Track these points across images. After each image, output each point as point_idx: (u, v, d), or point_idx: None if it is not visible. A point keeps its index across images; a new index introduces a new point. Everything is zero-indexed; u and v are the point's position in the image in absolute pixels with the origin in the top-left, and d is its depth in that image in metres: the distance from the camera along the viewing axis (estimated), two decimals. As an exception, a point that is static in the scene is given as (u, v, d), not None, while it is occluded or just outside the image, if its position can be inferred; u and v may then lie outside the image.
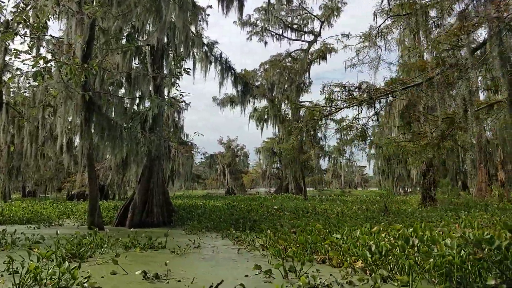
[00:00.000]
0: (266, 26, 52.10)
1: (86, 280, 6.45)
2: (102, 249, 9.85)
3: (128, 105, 16.93)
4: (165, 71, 17.82)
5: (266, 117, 50.22)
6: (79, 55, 13.25)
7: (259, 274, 7.20)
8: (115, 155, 16.06)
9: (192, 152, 32.10)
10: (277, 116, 45.58)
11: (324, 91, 9.48)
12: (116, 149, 15.85)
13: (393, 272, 6.74)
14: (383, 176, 41.72)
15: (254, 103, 51.63)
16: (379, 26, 9.58)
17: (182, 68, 16.43)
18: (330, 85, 9.34)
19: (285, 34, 52.11)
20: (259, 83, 49.06)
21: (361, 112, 9.80)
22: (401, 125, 10.80)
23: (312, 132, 46.68)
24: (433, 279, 6.20)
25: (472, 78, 6.13)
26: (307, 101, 51.25)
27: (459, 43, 6.82)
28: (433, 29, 7.39)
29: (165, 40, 17.89)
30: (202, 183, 62.35)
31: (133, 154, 16.34)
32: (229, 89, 50.09)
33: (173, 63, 17.48)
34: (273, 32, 52.23)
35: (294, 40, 52.23)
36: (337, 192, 55.26)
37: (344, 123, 11.41)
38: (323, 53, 52.38)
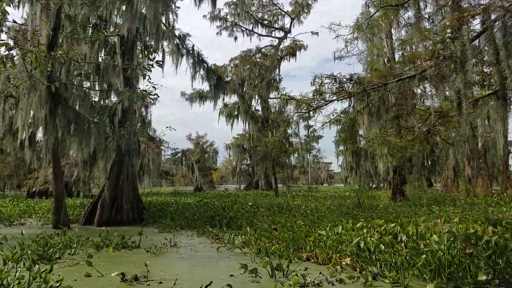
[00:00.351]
0: (237, 21, 51.60)
1: (58, 284, 5.94)
2: (72, 250, 9.24)
3: (97, 98, 16.12)
4: (135, 63, 17.10)
5: (236, 113, 49.83)
6: (44, 43, 12.42)
7: (245, 274, 6.89)
8: (82, 150, 15.26)
9: (162, 147, 31.30)
10: (248, 112, 45.27)
11: (314, 83, 9.26)
12: (84, 144, 15.09)
13: (382, 269, 6.61)
14: (351, 172, 42.35)
15: (224, 99, 51.19)
16: (371, 16, 9.46)
17: (155, 61, 15.82)
18: (321, 77, 9.15)
19: (255, 30, 51.82)
20: (229, 78, 48.51)
21: (351, 105, 9.69)
22: (388, 119, 10.72)
23: (282, 129, 46.79)
24: (424, 276, 6.09)
25: (469, 71, 6.11)
26: (277, 98, 51.28)
27: (453, 35, 6.80)
28: (425, 21, 7.34)
29: (136, 30, 17.16)
30: (169, 180, 61.22)
31: (102, 149, 15.61)
32: (200, 83, 49.01)
33: (144, 55, 16.85)
34: (243, 27, 51.80)
35: (264, 36, 52.06)
36: (304, 188, 55.71)
37: (332, 117, 11.22)
38: (293, 50, 52.52)
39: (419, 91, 15.97)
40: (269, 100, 48.06)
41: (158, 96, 16.19)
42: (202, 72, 22.86)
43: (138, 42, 18.40)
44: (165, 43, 21.36)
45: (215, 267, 7.66)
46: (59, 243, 9.41)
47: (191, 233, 12.63)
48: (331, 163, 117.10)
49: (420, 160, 36.55)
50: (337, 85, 8.65)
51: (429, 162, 41.39)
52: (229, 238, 10.20)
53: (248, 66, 48.16)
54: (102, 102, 16.41)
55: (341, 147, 44.07)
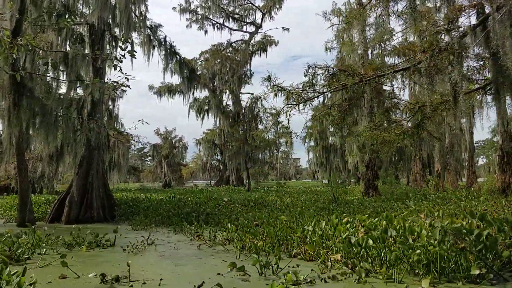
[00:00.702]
0: (207, 14, 50.84)
1: (32, 287, 5.45)
2: (42, 250, 8.63)
3: (64, 89, 15.27)
4: (105, 53, 16.33)
5: (206, 108, 49.11)
6: (8, 29, 11.58)
7: (232, 272, 6.59)
8: (48, 144, 14.44)
9: (133, 142, 30.29)
10: (219, 107, 44.74)
11: (307, 73, 9.03)
12: (50, 137, 14.28)
13: (373, 265, 6.48)
14: (321, 168, 42.72)
15: (194, 93, 50.38)
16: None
17: (127, 50, 15.11)
18: (314, 67, 8.91)
19: (226, 24, 51.26)
20: (200, 72, 47.67)
21: (346, 99, 9.52)
22: (378, 113, 10.65)
23: (254, 124, 46.62)
24: (416, 271, 6.01)
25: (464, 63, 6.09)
26: (249, 93, 51.04)
27: (449, 27, 6.76)
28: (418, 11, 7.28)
29: (107, 19, 16.39)
30: (135, 176, 59.75)
31: (70, 143, 14.83)
32: (170, 77, 47.83)
33: (112, 46, 16.16)
34: (214, 20, 51.13)
35: (235, 30, 51.52)
36: (273, 183, 55.80)
37: (319, 110, 11.02)
38: (264, 45, 52.33)
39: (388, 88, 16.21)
40: (240, 95, 47.73)
41: (130, 88, 15.50)
42: (174, 64, 22.24)
43: (107, 33, 17.61)
44: (135, 35, 20.65)
45: (199, 265, 7.33)
46: (27, 243, 8.77)
47: (167, 231, 12.19)
48: (299, 158, 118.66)
49: (388, 156, 37.34)
50: (329, 76, 8.48)
51: (396, 158, 42.17)
52: (209, 235, 9.85)
53: (219, 60, 47.54)
54: (71, 94, 15.56)
55: (312, 143, 44.33)
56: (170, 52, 21.79)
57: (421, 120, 7.31)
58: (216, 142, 48.15)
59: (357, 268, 6.06)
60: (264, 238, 8.39)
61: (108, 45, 17.53)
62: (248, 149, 32.47)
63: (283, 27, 54.90)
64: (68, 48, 15.93)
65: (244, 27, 51.69)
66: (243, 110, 47.02)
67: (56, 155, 17.34)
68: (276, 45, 53.06)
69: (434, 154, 25.96)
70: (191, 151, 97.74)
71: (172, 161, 54.71)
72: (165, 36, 21.88)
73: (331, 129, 37.32)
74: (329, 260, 6.85)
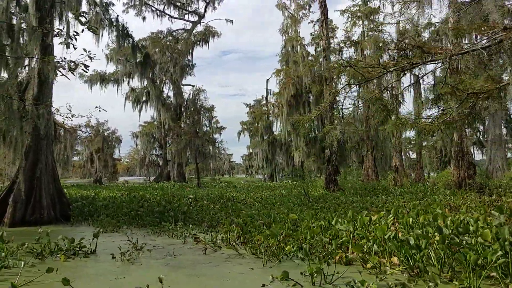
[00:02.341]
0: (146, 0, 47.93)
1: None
2: (8, 262, 6.85)
3: (11, 67, 12.75)
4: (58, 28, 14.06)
5: (144, 98, 46.33)
6: None
7: (275, 282, 5.56)
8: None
9: (80, 132, 27.23)
10: (160, 98, 42.32)
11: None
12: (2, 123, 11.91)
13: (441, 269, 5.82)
14: (267, 162, 42.39)
15: (129, 82, 47.31)
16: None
17: (86, 26, 13.12)
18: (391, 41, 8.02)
19: (167, 12, 48.74)
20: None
21: (399, 79, 8.65)
22: (431, 100, 9.96)
23: (196, 117, 44.82)
24: (492, 275, 5.42)
25: None
26: (190, 85, 49.13)
27: None
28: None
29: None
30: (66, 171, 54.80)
31: (17, 131, 12.52)
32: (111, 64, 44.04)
33: (65, 21, 14.09)
34: (153, 7, 48.37)
35: (176, 18, 49.08)
36: (207, 179, 54.42)
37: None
38: (206, 36, 50.68)
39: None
40: (182, 86, 45.66)
41: (88, 67, 13.51)
42: (126, 47, 20.15)
43: (57, 6, 15.28)
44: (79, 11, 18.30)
45: (226, 276, 6.14)
46: None
47: (145, 232, 10.63)
48: (232, 154, 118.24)
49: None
50: (401, 54, 7.64)
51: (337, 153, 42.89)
52: (211, 238, 8.61)
53: (159, 49, 44.97)
54: (17, 73, 13.09)
55: (256, 138, 43.84)
56: (122, 34, 19.71)
57: (471, 108, 6.90)
58: (155, 135, 45.63)
59: (430, 273, 5.31)
60: (286, 240, 7.38)
61: (57, 20, 15.21)
62: (198, 143, 30.98)
63: (226, 19, 53.69)
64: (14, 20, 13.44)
65: (186, 16, 49.54)
66: (185, 103, 45.07)
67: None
68: (218, 37, 51.60)
69: (385, 149, 26.73)
70: (127, 145, 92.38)
71: (104, 156, 50.95)
72: (117, 16, 19.72)
73: (280, 123, 37.10)
74: (382, 265, 6.06)
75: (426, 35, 45.22)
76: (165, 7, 47.81)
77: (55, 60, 12.93)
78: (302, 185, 21.03)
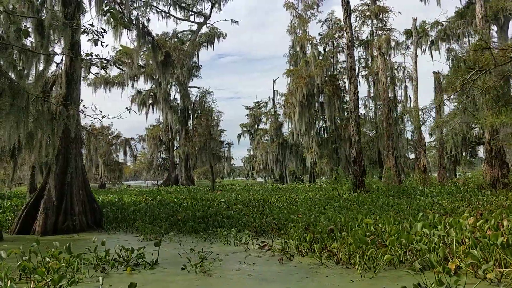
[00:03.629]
0: (151, 1, 47.19)
1: None
2: (74, 275, 6.13)
3: (40, 64, 11.97)
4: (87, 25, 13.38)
5: (150, 101, 45.57)
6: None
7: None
8: (18, 136, 11.27)
9: (104, 134, 26.39)
10: (167, 100, 41.60)
11: None
12: (22, 126, 11.17)
13: None
14: (276, 164, 41.69)
15: (133, 85, 46.52)
16: None
17: (119, 22, 12.42)
18: None
19: (172, 13, 48.02)
20: (144, 62, 43.89)
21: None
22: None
23: (204, 119, 44.08)
24: None
25: None
26: (196, 87, 48.43)
27: None
28: None
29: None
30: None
31: (47, 134, 11.79)
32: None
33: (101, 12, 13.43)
34: (158, 8, 47.67)
35: (181, 19, 48.43)
36: (208, 183, 53.58)
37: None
38: (212, 38, 50.07)
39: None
40: (189, 88, 44.94)
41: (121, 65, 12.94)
42: (147, 46, 19.48)
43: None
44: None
45: (328, 289, 5.47)
46: (26, 267, 6.19)
47: (194, 239, 9.92)
48: (233, 157, 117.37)
49: (346, 152, 37.36)
50: None
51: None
52: (281, 245, 7.92)
53: (166, 50, 44.17)
54: (48, 71, 12.35)
55: (258, 140, 43.24)
56: (143, 33, 19.02)
57: None
58: (162, 138, 44.85)
59: None
60: (377, 247, 6.70)
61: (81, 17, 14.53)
62: (214, 145, 30.29)
63: (232, 20, 52.84)
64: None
65: (192, 17, 48.88)
66: (193, 105, 44.35)
67: (10, 150, 13.87)
68: (224, 38, 51.07)
69: (400, 149, 26.23)
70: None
71: (109, 160, 50.09)
72: (137, 14, 19.08)
73: (291, 125, 36.39)
74: (504, 275, 5.41)
75: (433, 34, 44.88)
76: (170, 8, 47.15)
77: (88, 58, 12.30)
78: (335, 187, 20.25)
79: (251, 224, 10.91)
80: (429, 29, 41.47)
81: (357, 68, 44.07)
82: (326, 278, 6.00)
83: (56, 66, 13.61)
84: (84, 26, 13.30)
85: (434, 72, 25.76)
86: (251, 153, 64.51)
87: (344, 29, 22.00)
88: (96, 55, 13.08)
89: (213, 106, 42.22)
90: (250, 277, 6.20)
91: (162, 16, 48.27)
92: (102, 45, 15.42)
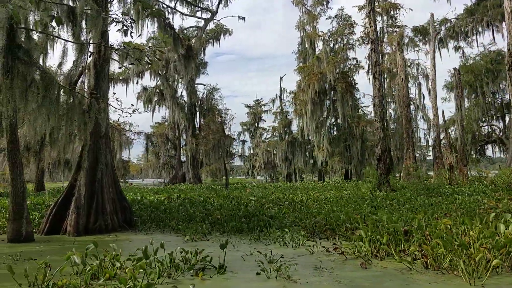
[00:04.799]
0: (157, -4, 46.40)
1: None
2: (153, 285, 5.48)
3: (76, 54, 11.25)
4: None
5: (156, 98, 44.77)
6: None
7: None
8: (49, 129, 10.58)
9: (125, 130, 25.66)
10: (174, 97, 40.87)
11: None
12: (53, 119, 10.50)
13: None
14: (286, 162, 41.07)
15: (137, 82, 45.68)
16: None
17: (151, 12, 11.88)
18: None
19: (178, 8, 47.17)
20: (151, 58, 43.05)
21: None
22: None
23: (211, 116, 43.38)
24: None
25: None
26: (202, 84, 47.70)
27: None
28: None
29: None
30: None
31: (80, 128, 11.11)
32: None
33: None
34: (164, 4, 46.77)
35: (188, 15, 47.57)
36: (208, 180, 52.93)
37: None
38: (218, 34, 49.35)
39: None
40: (196, 86, 44.21)
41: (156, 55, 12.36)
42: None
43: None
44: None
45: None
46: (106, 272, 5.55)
47: (244, 240, 9.29)
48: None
49: (358, 149, 36.81)
50: None
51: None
52: (354, 247, 7.31)
53: (187, 43, 43.35)
54: (82, 61, 11.63)
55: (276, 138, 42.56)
56: (164, 25, 18.32)
57: None
58: (168, 136, 44.11)
59: None
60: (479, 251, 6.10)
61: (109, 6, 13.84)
62: (228, 142, 29.61)
63: (238, 16, 52.07)
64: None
65: (198, 13, 48.07)
66: (199, 102, 43.64)
67: (36, 146, 13.18)
68: (230, 35, 50.36)
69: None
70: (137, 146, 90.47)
71: (115, 157, 49.20)
72: (158, 5, 18.39)
73: (301, 121, 35.70)
74: None
75: (431, 32, 44.57)
76: (177, 4, 46.32)
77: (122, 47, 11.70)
78: (370, 186, 19.47)
79: (298, 224, 10.31)
80: (437, 26, 41.08)
81: (366, 65, 43.66)
82: (430, 286, 5.39)
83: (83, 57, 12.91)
84: (115, 15, 12.73)
85: (454, 68, 25.20)
86: (251, 151, 63.91)
87: (368, 23, 21.42)
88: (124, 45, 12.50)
89: (220, 103, 41.56)
90: (342, 284, 5.58)
91: (168, 12, 47.40)
92: (132, 36, 14.82)
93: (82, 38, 11.25)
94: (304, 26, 43.79)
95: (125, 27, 13.98)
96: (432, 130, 40.88)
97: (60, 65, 10.78)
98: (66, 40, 10.81)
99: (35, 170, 29.32)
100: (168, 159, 45.80)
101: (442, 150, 24.59)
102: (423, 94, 38.00)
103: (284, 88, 47.87)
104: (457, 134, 24.38)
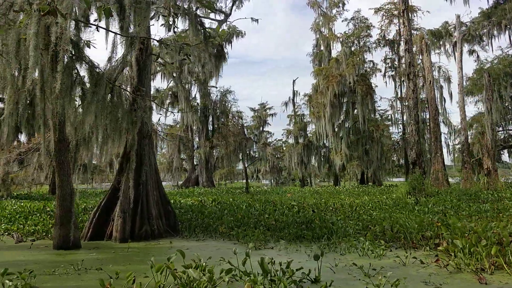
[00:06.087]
0: (171, -3, 45.92)
1: None
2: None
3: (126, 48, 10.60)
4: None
5: (169, 101, 44.10)
6: None
7: None
8: (97, 127, 9.94)
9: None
10: (188, 99, 40.21)
11: None
12: (102, 117, 9.88)
13: None
14: (301, 166, 40.32)
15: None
16: None
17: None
18: None
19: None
20: (162, 61, 42.40)
21: None
22: None
23: (225, 119, 42.77)
24: None
25: None
26: (214, 86, 47.09)
27: None
28: None
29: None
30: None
31: (128, 127, 10.47)
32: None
33: None
34: (178, 5, 46.30)
35: (201, 17, 47.15)
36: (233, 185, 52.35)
37: None
38: (230, 36, 48.82)
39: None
40: (209, 88, 43.54)
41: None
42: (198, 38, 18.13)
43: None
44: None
45: None
46: None
47: (308, 249, 8.58)
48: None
49: (377, 154, 36.13)
50: None
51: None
52: (466, 258, 6.61)
53: (218, 42, 42.73)
54: (131, 55, 10.97)
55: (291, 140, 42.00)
56: (195, 23, 17.68)
57: None
58: (181, 138, 43.42)
59: None
60: None
61: None
62: (250, 145, 28.90)
63: (252, 18, 51.46)
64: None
65: (211, 14, 47.60)
66: (213, 104, 42.99)
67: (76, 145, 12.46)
68: (242, 37, 49.83)
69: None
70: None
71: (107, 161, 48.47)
72: (190, 2, 17.74)
73: (319, 124, 35.01)
74: None
75: (456, 34, 43.84)
76: (191, 5, 45.83)
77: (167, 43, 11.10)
78: (417, 190, 18.60)
79: (359, 232, 9.64)
80: (452, 29, 40.55)
81: (383, 68, 43.05)
82: None
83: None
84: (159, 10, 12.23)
85: (483, 70, 24.58)
86: (257, 155, 63.27)
87: (402, 23, 20.83)
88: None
89: (234, 106, 40.93)
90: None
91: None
92: (175, 32, 14.29)
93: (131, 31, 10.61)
94: (320, 28, 43.25)
95: (169, 22, 13.50)
96: (452, 134, 40.30)
97: (109, 59, 10.10)
98: (116, 33, 10.17)
99: (46, 171, 28.65)
100: (181, 163, 45.08)
101: (480, 154, 23.87)
102: (444, 98, 37.37)
103: (297, 91, 47.28)
104: (487, 137, 23.65)
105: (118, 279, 6.01)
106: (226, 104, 42.59)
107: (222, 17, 50.83)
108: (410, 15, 42.60)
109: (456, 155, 44.84)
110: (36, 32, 7.04)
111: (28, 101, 11.16)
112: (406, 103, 21.11)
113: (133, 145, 10.64)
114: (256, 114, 60.09)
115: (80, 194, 27.44)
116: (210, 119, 43.52)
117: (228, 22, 51.30)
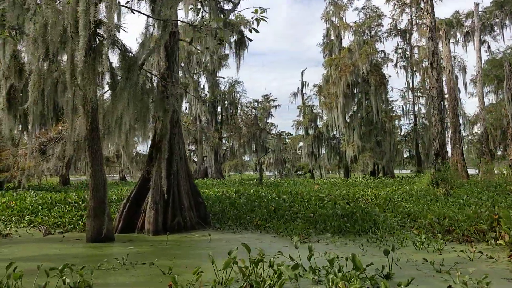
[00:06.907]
0: (178, -14, 45.10)
1: None
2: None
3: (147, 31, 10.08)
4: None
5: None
6: None
7: None
8: (130, 116, 9.50)
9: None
10: (198, 90, 39.67)
11: None
12: (132, 105, 9.42)
13: None
14: (312, 158, 39.84)
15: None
16: None
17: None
18: None
19: (199, -1, 45.97)
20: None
21: None
22: None
23: (234, 110, 42.26)
24: None
25: None
26: (221, 77, 46.49)
27: None
28: None
29: None
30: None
31: (160, 115, 10.05)
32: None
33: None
34: (185, -6, 45.53)
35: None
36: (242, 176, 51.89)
37: None
38: (239, 26, 48.09)
39: None
40: (217, 78, 42.92)
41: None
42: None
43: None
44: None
45: None
46: None
47: (358, 243, 8.19)
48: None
49: (390, 145, 35.66)
50: None
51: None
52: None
53: (238, 29, 42.09)
54: (165, 40, 10.47)
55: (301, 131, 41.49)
56: (215, 9, 17.14)
57: None
58: (189, 130, 42.94)
59: None
60: None
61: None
62: (264, 136, 28.45)
63: (259, 7, 50.73)
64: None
65: (219, 3, 46.91)
66: (221, 95, 42.40)
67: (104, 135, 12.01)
68: (250, 26, 49.16)
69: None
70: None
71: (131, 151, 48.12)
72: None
73: (331, 115, 34.51)
74: None
75: (476, 22, 43.16)
76: (198, -6, 45.08)
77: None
78: (447, 182, 18.07)
79: (402, 224, 9.24)
80: (463, 19, 39.81)
81: (395, 58, 42.37)
82: None
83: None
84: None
85: (504, 60, 24.03)
86: (269, 146, 62.78)
87: (425, 10, 20.23)
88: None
89: (243, 97, 40.43)
90: None
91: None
92: (203, 17, 13.81)
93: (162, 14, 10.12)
94: (330, 18, 42.49)
95: (199, 8, 13.06)
96: (467, 124, 39.80)
97: (142, 44, 9.62)
98: (149, 16, 9.69)
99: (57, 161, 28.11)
100: (189, 154, 44.65)
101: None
102: (459, 88, 36.74)
103: (306, 82, 46.66)
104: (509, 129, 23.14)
105: (171, 274, 5.62)
106: (235, 95, 42.06)
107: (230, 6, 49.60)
108: (429, 2, 41.85)
109: (466, 146, 44.39)
110: (85, 10, 6.55)
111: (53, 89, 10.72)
112: (425, 94, 20.54)
113: (165, 134, 10.22)
114: (260, 105, 59.57)
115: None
116: (219, 110, 43.03)
117: (236, 12, 50.49)
